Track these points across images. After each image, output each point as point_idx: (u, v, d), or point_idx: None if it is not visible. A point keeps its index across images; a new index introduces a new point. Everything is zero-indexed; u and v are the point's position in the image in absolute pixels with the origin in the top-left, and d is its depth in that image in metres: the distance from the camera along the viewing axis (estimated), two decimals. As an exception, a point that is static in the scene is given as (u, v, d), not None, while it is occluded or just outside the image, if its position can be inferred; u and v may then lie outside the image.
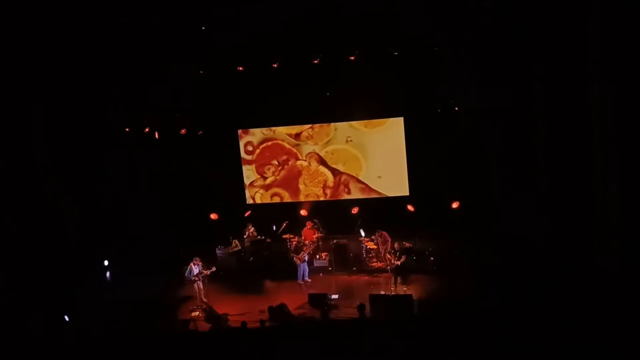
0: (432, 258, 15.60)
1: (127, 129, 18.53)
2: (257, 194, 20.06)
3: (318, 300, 13.59)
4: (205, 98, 17.67)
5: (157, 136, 18.90)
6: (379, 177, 18.92)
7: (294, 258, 15.65)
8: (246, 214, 19.26)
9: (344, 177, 19.35)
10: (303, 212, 18.73)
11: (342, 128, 19.10)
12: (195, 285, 14.29)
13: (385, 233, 15.92)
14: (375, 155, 18.90)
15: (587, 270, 12.49)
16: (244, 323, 12.40)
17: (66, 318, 12.94)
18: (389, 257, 14.70)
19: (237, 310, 13.79)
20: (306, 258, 15.65)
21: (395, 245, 15.00)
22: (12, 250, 13.94)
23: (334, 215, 18.34)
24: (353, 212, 18.29)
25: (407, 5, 13.62)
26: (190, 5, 13.31)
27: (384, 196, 19.03)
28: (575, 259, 13.03)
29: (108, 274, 17.64)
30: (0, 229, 14.29)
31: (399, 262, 14.30)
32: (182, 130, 18.81)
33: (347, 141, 18.95)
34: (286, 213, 18.73)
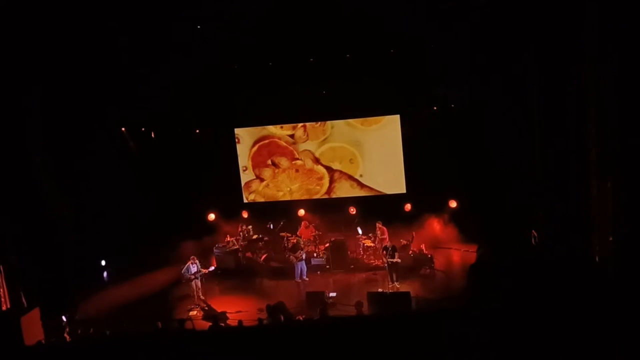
0: (429, 255, 15.61)
1: (123, 129, 18.50)
2: (253, 192, 20.05)
3: (316, 299, 13.60)
4: (201, 97, 17.62)
5: (153, 136, 18.88)
6: (383, 175, 18.85)
7: (291, 257, 15.65)
8: (243, 213, 19.26)
9: (340, 175, 19.34)
10: (300, 211, 18.73)
11: (338, 126, 19.10)
12: (193, 284, 14.29)
13: (384, 229, 15.97)
14: (372, 153, 18.89)
15: (585, 268, 12.50)
16: (241, 322, 12.42)
17: (64, 318, 12.91)
18: (384, 254, 14.76)
19: (235, 308, 13.82)
20: (303, 257, 15.66)
21: (387, 243, 15.04)
22: (9, 251, 13.89)
23: (331, 214, 18.36)
24: (351, 212, 18.28)
25: (403, 2, 13.59)
26: (187, 4, 13.27)
27: (380, 194, 19.04)
28: (573, 256, 13.04)
29: (105, 273, 17.63)
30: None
31: (392, 260, 14.34)
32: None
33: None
34: (283, 212, 18.74)
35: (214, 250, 17.21)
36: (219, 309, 13.98)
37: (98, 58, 14.85)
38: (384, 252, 14.75)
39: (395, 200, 18.43)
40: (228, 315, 13.57)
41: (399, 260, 14.47)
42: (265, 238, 17.75)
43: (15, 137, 14.58)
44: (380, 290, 14.12)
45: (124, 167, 18.14)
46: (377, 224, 16.21)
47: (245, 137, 19.74)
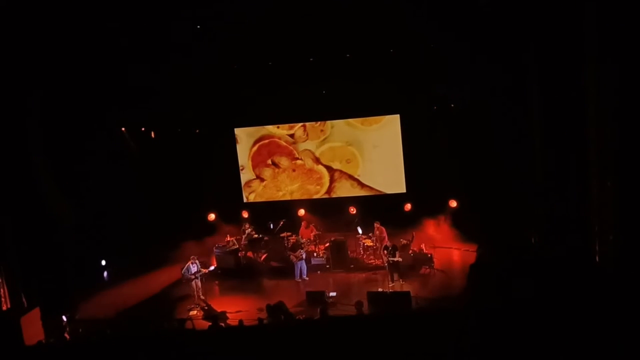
0: (429, 255, 15.62)
1: (123, 129, 18.50)
2: (253, 192, 20.05)
3: (316, 298, 13.61)
4: (201, 97, 17.63)
5: (153, 136, 18.89)
6: (383, 175, 18.89)
7: (291, 256, 15.66)
8: (243, 213, 19.27)
9: (340, 175, 19.35)
10: (300, 211, 18.74)
11: (338, 126, 19.11)
12: (193, 283, 14.29)
13: (383, 228, 15.98)
14: (372, 153, 18.90)
15: (585, 268, 12.49)
16: (241, 321, 12.42)
17: (64, 318, 12.93)
18: (385, 253, 14.80)
19: (235, 308, 13.82)
20: (304, 256, 15.67)
21: (388, 242, 15.08)
22: (9, 251, 13.91)
23: (331, 213, 18.38)
24: (351, 211, 18.28)
25: (403, 2, 13.59)
26: (187, 4, 13.27)
27: (381, 193, 19.05)
28: (573, 256, 13.04)
29: (105, 273, 17.63)
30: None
31: (393, 259, 14.36)
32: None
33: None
34: (283, 211, 18.74)
35: (214, 250, 17.21)
36: (219, 308, 13.98)
37: (98, 58, 14.84)
38: (385, 251, 14.77)
39: (396, 200, 18.45)
40: (228, 315, 13.57)
41: (400, 260, 14.50)
42: (266, 238, 17.75)
43: (16, 138, 14.59)
44: (380, 289, 14.13)
45: (124, 167, 18.12)
46: (375, 224, 16.24)
47: (246, 137, 19.75)
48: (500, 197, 15.89)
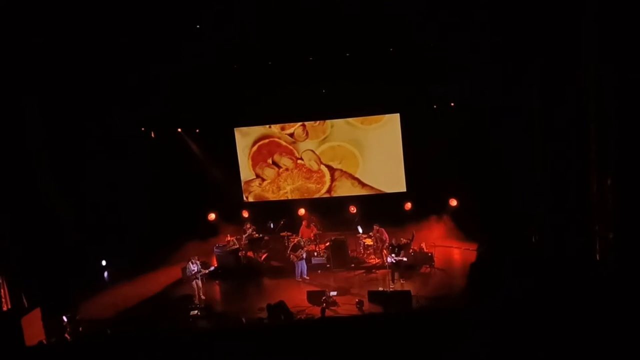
0: (430, 254, 15.63)
1: (122, 129, 18.50)
2: (254, 192, 20.05)
3: (316, 297, 13.61)
4: (201, 97, 17.63)
5: (153, 136, 18.90)
6: (383, 174, 18.92)
7: (292, 256, 15.66)
8: (243, 213, 19.28)
9: (341, 174, 19.35)
10: (300, 210, 18.74)
11: (338, 125, 19.11)
12: (194, 283, 14.30)
13: (382, 230, 15.99)
14: (372, 152, 18.91)
15: (585, 266, 12.50)
16: (242, 321, 12.44)
17: (64, 319, 12.94)
18: (386, 253, 14.79)
19: (236, 308, 13.82)
20: (304, 256, 15.67)
21: (393, 240, 15.07)
22: (9, 251, 13.91)
23: (331, 213, 18.38)
24: (351, 211, 18.29)
25: (403, 2, 13.59)
26: (187, 4, 13.27)
27: (381, 192, 19.06)
28: (573, 254, 13.04)
29: (106, 274, 17.63)
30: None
31: (398, 258, 14.37)
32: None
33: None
34: (284, 211, 18.75)
35: (215, 249, 17.21)
36: (219, 308, 13.99)
37: (98, 58, 14.85)
38: (390, 248, 14.80)
39: (396, 199, 18.44)
40: (228, 315, 13.58)
41: (404, 259, 14.52)
42: (266, 237, 17.76)
43: (16, 137, 14.59)
44: (381, 289, 14.13)
45: (125, 167, 18.12)
46: (374, 227, 16.22)
47: (245, 137, 19.75)
48: (500, 197, 15.89)
